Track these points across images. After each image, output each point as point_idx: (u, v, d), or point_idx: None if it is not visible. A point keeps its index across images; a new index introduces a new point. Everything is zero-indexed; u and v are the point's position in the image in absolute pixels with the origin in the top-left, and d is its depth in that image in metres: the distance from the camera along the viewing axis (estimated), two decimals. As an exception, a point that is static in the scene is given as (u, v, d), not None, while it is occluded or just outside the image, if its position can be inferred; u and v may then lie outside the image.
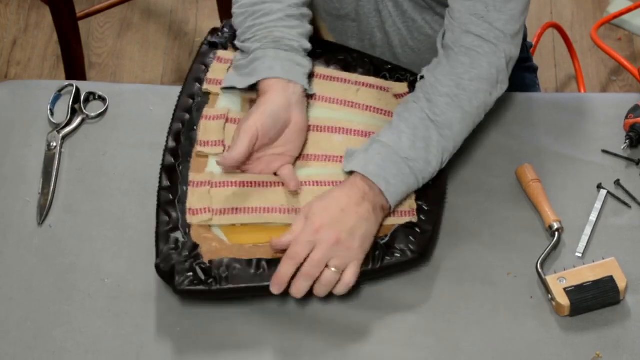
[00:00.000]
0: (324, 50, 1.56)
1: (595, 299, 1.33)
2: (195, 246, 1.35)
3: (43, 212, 1.45)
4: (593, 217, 1.43)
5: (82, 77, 2.39)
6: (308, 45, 1.48)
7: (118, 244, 1.42)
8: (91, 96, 1.57)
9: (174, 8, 2.85)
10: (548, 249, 1.39)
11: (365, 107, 1.50)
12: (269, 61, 1.43)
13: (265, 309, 1.36)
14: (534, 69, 1.82)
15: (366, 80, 1.53)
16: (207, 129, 1.46)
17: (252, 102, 1.46)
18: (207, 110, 1.48)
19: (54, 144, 1.51)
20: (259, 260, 1.34)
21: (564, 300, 1.33)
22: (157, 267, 1.34)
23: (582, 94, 2.30)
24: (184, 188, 1.41)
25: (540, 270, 1.37)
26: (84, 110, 1.55)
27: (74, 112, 1.55)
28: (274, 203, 1.39)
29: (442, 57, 1.43)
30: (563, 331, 1.33)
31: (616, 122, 1.52)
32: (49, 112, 1.55)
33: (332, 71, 1.54)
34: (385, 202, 1.36)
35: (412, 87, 1.52)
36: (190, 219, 1.38)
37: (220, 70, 1.52)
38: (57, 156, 1.50)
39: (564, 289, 1.33)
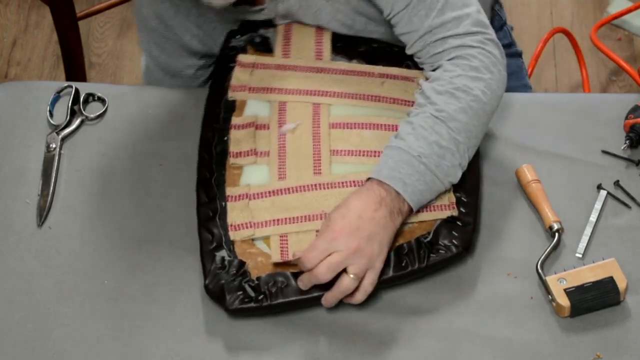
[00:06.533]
0: (345, 44, 1.53)
1: (595, 299, 1.33)
2: (242, 263, 1.34)
3: (42, 213, 1.45)
4: (593, 218, 1.43)
5: (82, 77, 2.38)
6: None
7: (117, 245, 1.42)
8: (90, 97, 1.57)
9: (174, 8, 2.84)
10: (548, 249, 1.39)
11: (392, 100, 1.48)
12: None
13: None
14: (518, 54, 1.80)
15: (390, 72, 1.50)
16: (238, 139, 1.44)
17: (281, 105, 1.46)
18: (234, 119, 1.46)
19: (54, 146, 1.51)
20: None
21: (564, 301, 1.33)
22: (207, 287, 1.33)
23: (582, 94, 2.30)
24: (222, 204, 1.39)
25: (540, 270, 1.36)
26: (83, 112, 1.55)
27: (73, 114, 1.55)
28: (315, 209, 1.37)
29: (431, 74, 1.43)
30: (563, 332, 1.33)
31: (616, 122, 1.52)
32: (48, 113, 1.55)
33: (355, 65, 1.51)
34: (402, 204, 1.34)
35: None
36: (232, 235, 1.37)
37: (244, 75, 1.50)
38: (57, 157, 1.50)
39: (564, 290, 1.33)
